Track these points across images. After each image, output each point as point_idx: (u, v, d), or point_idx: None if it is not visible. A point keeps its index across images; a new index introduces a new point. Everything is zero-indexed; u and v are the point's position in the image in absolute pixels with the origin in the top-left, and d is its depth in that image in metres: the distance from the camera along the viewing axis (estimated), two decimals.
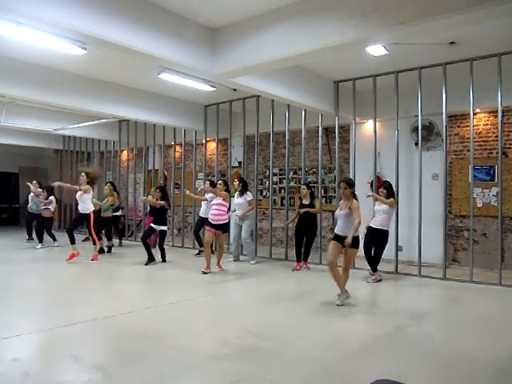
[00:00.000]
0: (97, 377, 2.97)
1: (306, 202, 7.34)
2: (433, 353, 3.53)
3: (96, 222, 8.07)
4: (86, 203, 7.65)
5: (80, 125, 10.60)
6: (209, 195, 8.17)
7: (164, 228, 7.82)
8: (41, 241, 9.67)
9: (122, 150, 12.30)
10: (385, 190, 6.56)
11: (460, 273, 6.86)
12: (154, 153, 11.41)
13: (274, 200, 9.99)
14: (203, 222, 8.11)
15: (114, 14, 4.55)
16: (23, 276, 6.56)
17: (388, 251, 6.71)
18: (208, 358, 3.34)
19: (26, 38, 4.58)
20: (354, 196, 5.20)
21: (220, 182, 7.21)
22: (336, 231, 5.18)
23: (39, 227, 9.85)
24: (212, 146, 10.83)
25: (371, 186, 7.87)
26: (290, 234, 9.50)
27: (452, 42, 5.95)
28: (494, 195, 7.33)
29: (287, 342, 3.79)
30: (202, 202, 8.55)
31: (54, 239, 9.64)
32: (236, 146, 9.89)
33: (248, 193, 7.98)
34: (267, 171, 9.93)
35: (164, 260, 7.78)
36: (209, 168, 10.31)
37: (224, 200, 6.94)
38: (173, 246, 10.13)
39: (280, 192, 10.25)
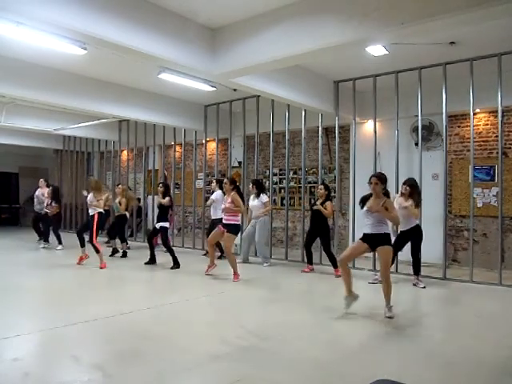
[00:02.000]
0: (97, 377, 2.97)
1: (318, 202, 7.04)
2: (433, 353, 3.53)
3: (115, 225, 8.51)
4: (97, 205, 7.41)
5: (80, 125, 10.60)
6: (217, 193, 8.04)
7: (164, 224, 7.44)
8: (46, 240, 9.62)
9: (122, 150, 12.28)
10: (408, 187, 6.06)
11: (460, 273, 6.86)
12: (154, 153, 11.42)
13: (274, 200, 9.99)
14: (216, 224, 7.88)
15: (114, 14, 4.55)
16: (23, 276, 6.55)
17: None
18: (208, 358, 3.34)
19: (26, 37, 4.58)
20: (387, 193, 4.72)
21: (225, 180, 6.71)
22: (365, 231, 4.64)
23: (47, 226, 9.69)
24: (212, 146, 10.84)
25: None
26: (290, 234, 9.52)
27: (452, 42, 5.95)
28: (494, 195, 7.33)
29: (287, 342, 3.79)
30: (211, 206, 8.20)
31: (60, 242, 9.37)
32: (236, 146, 9.89)
33: (263, 195, 7.79)
34: (267, 171, 9.93)
35: (176, 265, 7.20)
36: (209, 168, 10.31)
37: (232, 203, 6.42)
38: (173, 245, 10.13)
39: (280, 192, 10.25)
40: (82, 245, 7.46)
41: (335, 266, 6.75)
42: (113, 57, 6.05)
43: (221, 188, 7.87)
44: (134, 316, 4.48)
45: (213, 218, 8.11)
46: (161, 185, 7.76)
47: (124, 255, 8.45)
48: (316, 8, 4.67)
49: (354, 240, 7.58)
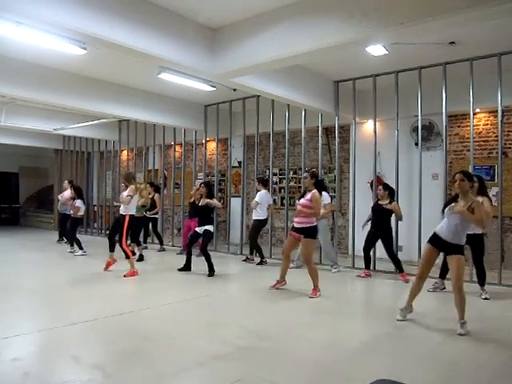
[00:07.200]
0: (97, 377, 2.97)
1: (382, 202, 6.66)
2: (433, 353, 3.53)
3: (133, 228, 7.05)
4: (130, 204, 6.59)
5: (80, 125, 10.60)
6: (261, 192, 7.83)
7: (209, 228, 6.84)
8: (81, 247, 8.69)
9: (122, 150, 12.31)
10: (476, 183, 5.10)
11: None
12: (154, 153, 11.42)
13: (274, 200, 9.97)
14: (261, 225, 7.99)
15: (113, 14, 4.55)
16: (23, 276, 6.55)
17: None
18: (208, 357, 3.34)
19: (26, 37, 4.57)
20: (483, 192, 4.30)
21: (305, 174, 5.89)
22: (438, 232, 4.38)
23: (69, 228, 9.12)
24: (212, 145, 10.84)
25: (371, 185, 7.87)
26: None
27: (452, 42, 5.95)
28: (494, 195, 7.31)
29: (287, 341, 3.79)
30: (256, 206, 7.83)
31: (72, 245, 8.80)
32: (236, 145, 9.90)
33: (324, 193, 6.75)
34: (267, 171, 9.93)
35: (212, 273, 6.66)
36: (209, 168, 10.32)
37: (311, 201, 5.51)
38: (172, 245, 10.14)
39: (280, 192, 10.25)
40: (112, 249, 6.88)
41: (401, 269, 6.56)
42: (113, 57, 6.06)
43: (265, 187, 7.99)
44: (133, 316, 4.48)
45: (259, 218, 7.93)
46: (203, 185, 7.08)
47: (140, 259, 7.86)
48: (316, 8, 4.67)
49: (353, 240, 7.60)
